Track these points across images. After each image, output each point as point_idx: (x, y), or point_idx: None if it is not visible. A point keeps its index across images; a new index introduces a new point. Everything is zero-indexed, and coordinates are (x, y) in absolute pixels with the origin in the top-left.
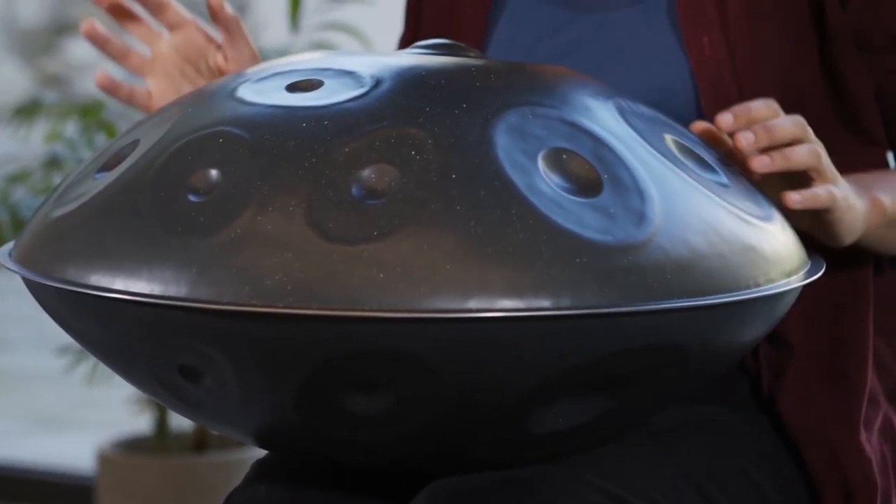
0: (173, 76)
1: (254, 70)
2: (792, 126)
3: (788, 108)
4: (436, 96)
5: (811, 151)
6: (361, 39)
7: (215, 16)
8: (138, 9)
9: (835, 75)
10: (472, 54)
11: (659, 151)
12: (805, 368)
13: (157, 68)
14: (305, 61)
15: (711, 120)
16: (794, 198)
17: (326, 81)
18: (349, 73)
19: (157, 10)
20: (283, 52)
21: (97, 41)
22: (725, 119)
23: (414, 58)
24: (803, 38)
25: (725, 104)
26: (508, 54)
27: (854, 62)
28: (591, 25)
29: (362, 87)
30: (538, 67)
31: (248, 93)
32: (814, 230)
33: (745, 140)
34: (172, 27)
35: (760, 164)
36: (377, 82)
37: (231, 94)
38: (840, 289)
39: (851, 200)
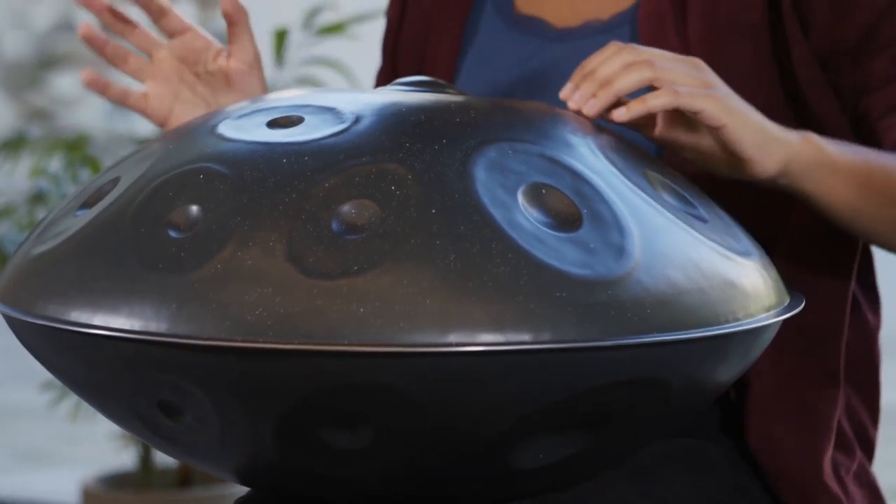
0: (172, 81)
1: (234, 107)
2: (619, 65)
3: None
4: (416, 132)
5: (641, 72)
6: (345, 74)
7: (225, 4)
8: (134, 16)
9: (800, 103)
10: (451, 91)
11: (638, 186)
12: (770, 405)
13: (155, 73)
14: (286, 98)
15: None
16: (619, 112)
17: (307, 118)
18: (329, 110)
19: (158, 14)
20: (268, 86)
21: (95, 44)
22: (566, 92)
23: (394, 94)
24: (765, 66)
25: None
26: (478, 83)
27: (820, 88)
28: (558, 54)
29: (343, 123)
30: (517, 104)
31: (228, 129)
32: (718, 158)
33: (575, 102)
34: (172, 33)
35: (618, 115)
36: (357, 118)
37: (212, 130)
38: (811, 327)
39: (733, 105)
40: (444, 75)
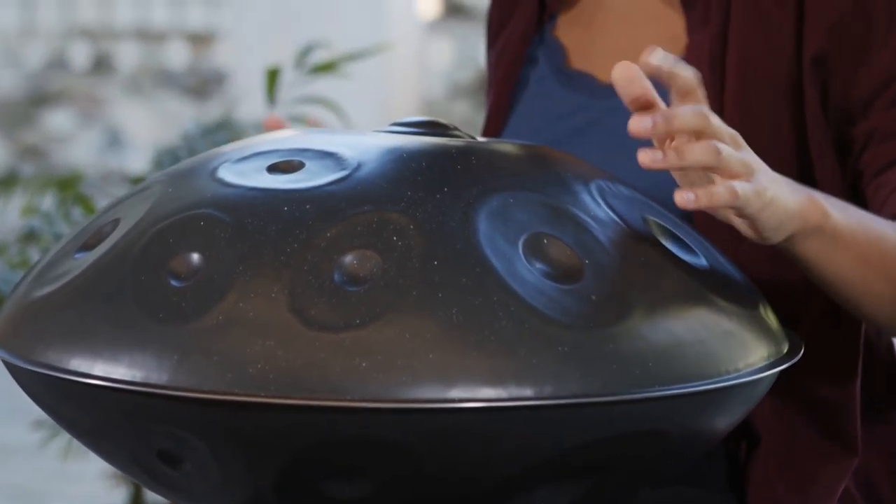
0: None
1: (234, 148)
2: (693, 116)
3: None
4: (417, 180)
5: (707, 149)
6: (338, 113)
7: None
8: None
9: (807, 162)
10: (453, 132)
11: (640, 235)
12: (774, 462)
13: None
14: (286, 140)
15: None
16: (686, 197)
17: (308, 163)
18: (331, 155)
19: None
20: (259, 125)
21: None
22: (636, 127)
23: (395, 138)
24: (789, 124)
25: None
26: (524, 136)
27: (824, 151)
28: (602, 110)
29: (344, 169)
30: (519, 148)
31: (228, 174)
32: (732, 222)
33: (639, 125)
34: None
35: (650, 158)
36: (359, 165)
37: (212, 174)
38: (818, 380)
39: (771, 194)
40: (496, 123)
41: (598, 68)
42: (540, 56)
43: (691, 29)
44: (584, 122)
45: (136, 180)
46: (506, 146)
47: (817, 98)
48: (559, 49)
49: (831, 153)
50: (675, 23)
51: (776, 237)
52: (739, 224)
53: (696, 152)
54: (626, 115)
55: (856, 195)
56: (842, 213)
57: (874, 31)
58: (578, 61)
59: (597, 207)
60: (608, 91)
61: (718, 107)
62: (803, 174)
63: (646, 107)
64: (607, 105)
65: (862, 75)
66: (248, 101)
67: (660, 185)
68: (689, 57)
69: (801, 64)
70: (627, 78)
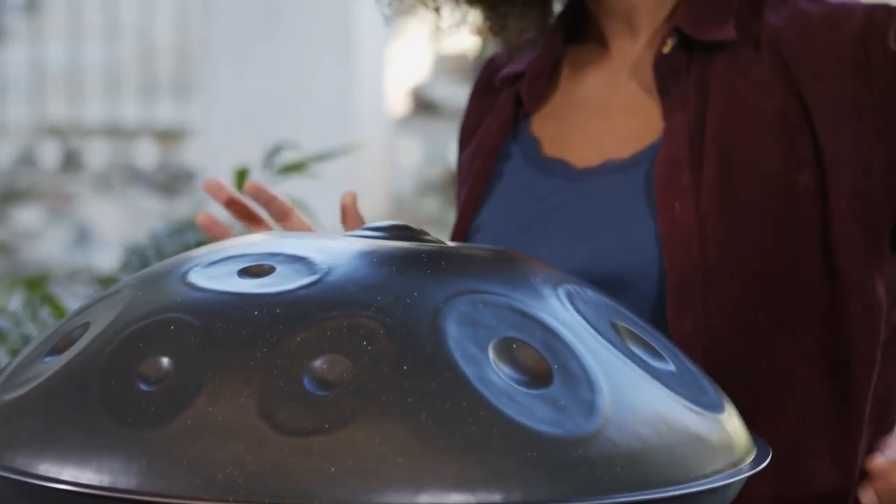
0: None
1: (204, 252)
2: None
3: (757, 282)
4: (387, 285)
5: None
6: (307, 212)
7: (346, 210)
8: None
9: (828, 251)
10: (424, 237)
11: (607, 339)
12: None
13: None
14: (257, 244)
15: (675, 281)
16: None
17: (278, 267)
18: (301, 259)
19: (281, 216)
20: (228, 226)
21: (214, 232)
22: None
23: (365, 242)
24: (785, 215)
25: (688, 268)
26: (499, 221)
27: (851, 235)
28: (575, 192)
29: (315, 274)
30: (489, 253)
31: (199, 278)
32: None
33: None
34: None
35: None
36: (329, 269)
37: (182, 278)
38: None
39: None
40: (468, 213)
41: (573, 155)
42: (515, 150)
43: (668, 112)
44: (556, 202)
45: (105, 280)
46: (475, 250)
47: (845, 184)
48: (534, 141)
49: (860, 248)
50: (652, 111)
51: None
52: None
53: None
54: (598, 196)
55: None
56: None
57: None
58: (553, 150)
59: (565, 312)
60: (581, 174)
61: (696, 188)
62: (790, 252)
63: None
64: (580, 187)
65: None
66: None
67: (634, 263)
68: (668, 137)
69: (800, 150)
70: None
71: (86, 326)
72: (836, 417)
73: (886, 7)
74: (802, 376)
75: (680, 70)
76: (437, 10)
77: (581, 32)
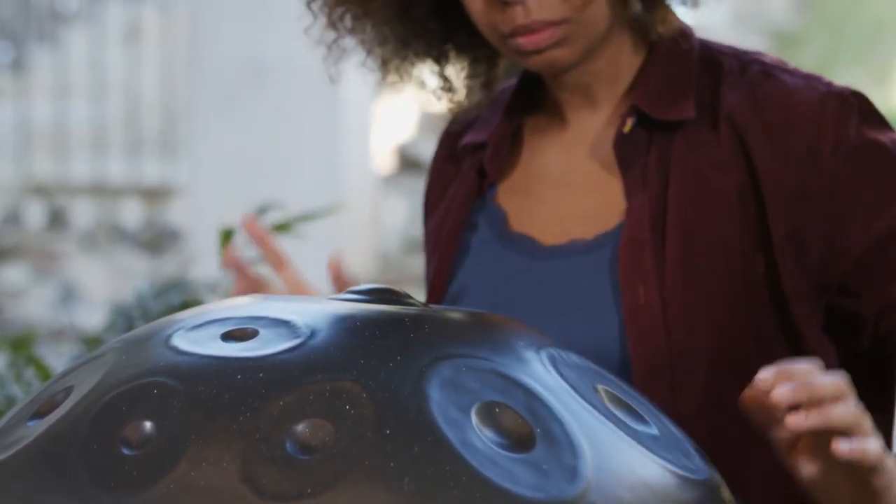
0: None
1: (188, 316)
2: (832, 385)
3: (723, 362)
4: (370, 348)
5: (853, 411)
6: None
7: (333, 275)
8: None
9: (793, 334)
10: (407, 300)
11: (590, 403)
12: None
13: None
14: (240, 308)
15: (640, 367)
16: (843, 447)
17: (262, 331)
18: (284, 323)
19: (278, 265)
20: (213, 286)
21: (237, 268)
22: (764, 379)
23: (349, 306)
24: (741, 287)
25: (653, 353)
26: (467, 298)
27: (812, 318)
28: (544, 272)
29: (297, 337)
30: (472, 316)
31: (182, 341)
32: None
33: (781, 395)
34: (290, 289)
35: (795, 422)
36: (312, 333)
37: (166, 341)
38: None
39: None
40: (439, 287)
41: (539, 231)
42: (481, 221)
43: (629, 192)
44: (525, 283)
45: (90, 340)
46: (459, 314)
47: (792, 268)
48: (501, 214)
49: (816, 322)
50: (613, 188)
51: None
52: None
53: (843, 412)
54: (565, 278)
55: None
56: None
57: (842, 202)
58: (519, 225)
59: (548, 376)
60: (548, 252)
61: (660, 271)
62: (753, 330)
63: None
64: (547, 267)
65: (845, 248)
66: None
67: (599, 348)
68: (630, 219)
69: (757, 229)
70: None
71: (69, 390)
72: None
73: (840, 95)
74: (770, 454)
75: (640, 149)
76: (385, 65)
77: (539, 103)
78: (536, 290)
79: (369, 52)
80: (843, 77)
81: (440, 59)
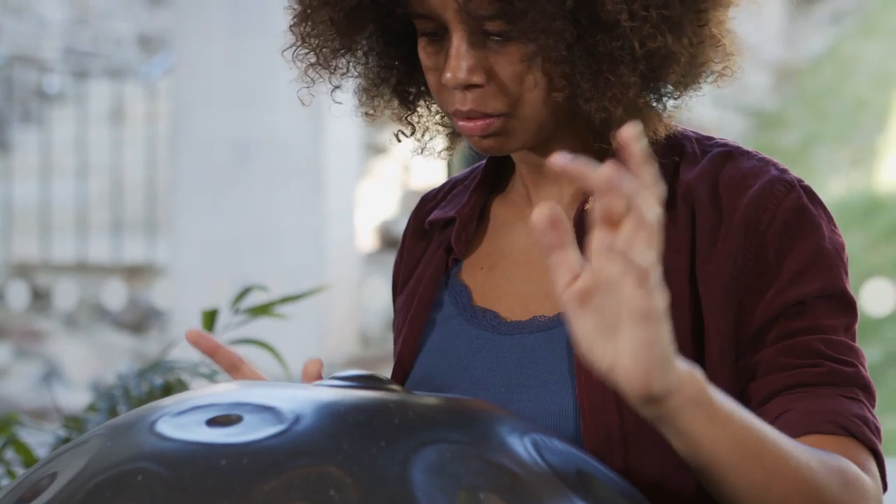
0: None
1: (174, 401)
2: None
3: None
4: (355, 434)
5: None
6: (275, 354)
7: (307, 377)
8: None
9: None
10: (391, 386)
11: (571, 489)
12: None
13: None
14: (225, 394)
15: (591, 444)
16: (557, 159)
17: (246, 416)
18: (269, 409)
19: (231, 368)
20: (196, 367)
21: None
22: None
23: (333, 392)
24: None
25: (605, 431)
26: (433, 373)
27: (722, 367)
28: (506, 347)
29: (282, 423)
30: (455, 402)
31: (167, 427)
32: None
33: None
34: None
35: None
36: (297, 418)
37: (150, 427)
38: None
39: (663, 309)
40: (404, 364)
41: (502, 307)
42: (446, 298)
43: None
44: (487, 358)
45: (72, 420)
46: (442, 400)
47: (727, 330)
48: (465, 290)
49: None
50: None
51: (656, 383)
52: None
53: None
54: (527, 353)
55: None
56: (721, 394)
57: (766, 274)
58: (483, 301)
59: (531, 461)
60: (511, 328)
61: None
62: None
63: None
64: (509, 342)
65: (758, 313)
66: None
67: (556, 426)
68: None
69: (698, 311)
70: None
71: (53, 476)
72: None
73: (790, 181)
74: None
75: None
76: (362, 94)
77: (507, 179)
78: (498, 366)
79: (339, 74)
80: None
81: (413, 99)
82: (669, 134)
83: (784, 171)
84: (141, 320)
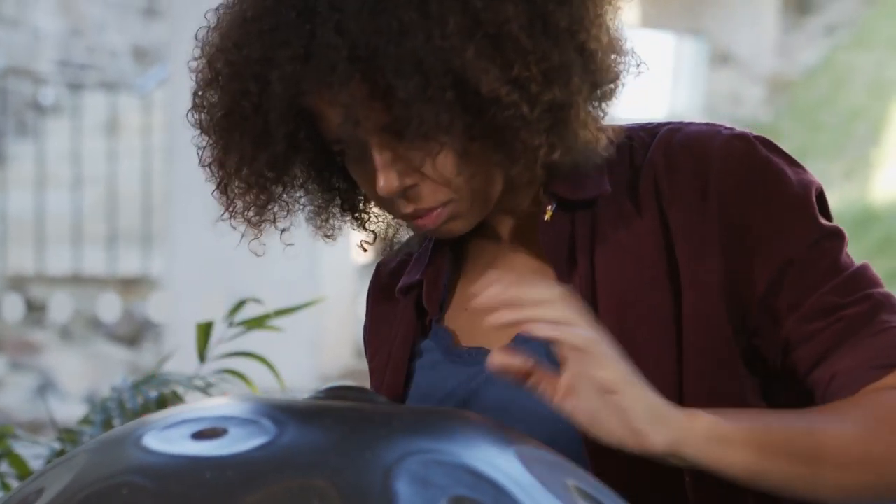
0: None
1: (161, 416)
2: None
3: None
4: (340, 446)
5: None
6: (270, 367)
7: None
8: None
9: (709, 383)
10: (376, 399)
11: (559, 499)
12: None
13: None
14: (211, 408)
15: (597, 470)
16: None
17: (232, 429)
18: (254, 422)
19: None
20: (190, 379)
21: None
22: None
23: (319, 404)
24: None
25: (608, 451)
26: (421, 402)
27: (729, 366)
28: (491, 377)
29: (267, 435)
30: (441, 413)
31: (153, 441)
32: (611, 426)
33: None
34: None
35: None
36: (282, 430)
37: (136, 441)
38: None
39: (630, 377)
40: (394, 388)
41: (487, 341)
42: (429, 346)
43: (560, 278)
44: (478, 387)
45: (67, 432)
46: (426, 411)
47: (724, 322)
48: (448, 334)
49: (739, 367)
50: (548, 279)
51: (655, 436)
52: (609, 417)
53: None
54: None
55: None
56: (733, 417)
57: (746, 238)
58: (468, 340)
59: (518, 472)
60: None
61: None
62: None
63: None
64: (490, 376)
65: (755, 279)
66: (182, 351)
67: (554, 437)
68: None
69: (677, 291)
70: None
71: (40, 492)
72: None
73: (745, 135)
74: None
75: (563, 233)
76: (315, 221)
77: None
78: (491, 393)
79: (280, 219)
80: (818, 169)
81: (363, 208)
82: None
83: (733, 129)
84: (136, 333)
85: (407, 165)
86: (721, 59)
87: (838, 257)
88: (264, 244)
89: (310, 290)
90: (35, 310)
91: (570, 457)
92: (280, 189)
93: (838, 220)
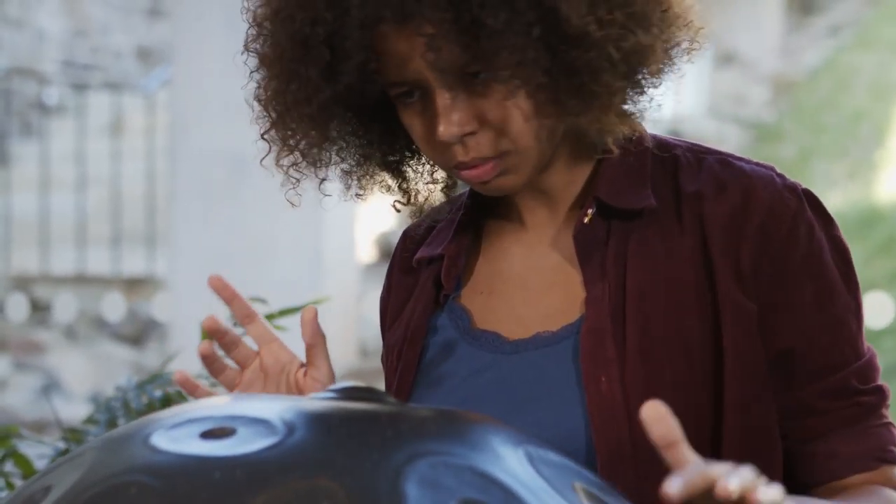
0: (256, 389)
1: (168, 415)
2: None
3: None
4: (348, 446)
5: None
6: None
7: (305, 324)
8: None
9: (746, 416)
10: (385, 399)
11: (567, 500)
12: None
13: (244, 383)
14: (219, 406)
15: (605, 457)
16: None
17: (240, 429)
18: (263, 422)
19: (246, 319)
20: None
21: (208, 362)
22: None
23: (327, 404)
24: (699, 377)
25: (616, 442)
26: (433, 395)
27: (764, 400)
28: (508, 366)
29: (275, 435)
30: (449, 414)
31: (161, 440)
32: None
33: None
34: (260, 341)
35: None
36: (290, 431)
37: (144, 440)
38: None
39: None
40: (403, 394)
41: (504, 328)
42: (445, 323)
43: (589, 283)
44: (491, 378)
45: (71, 432)
46: (435, 412)
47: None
48: (465, 314)
49: (771, 402)
50: (573, 282)
51: None
52: None
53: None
54: (530, 371)
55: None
56: None
57: (783, 291)
58: (484, 323)
59: (526, 474)
60: (514, 346)
61: (621, 360)
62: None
63: (671, 445)
64: (512, 361)
65: (774, 335)
66: (186, 350)
67: (566, 439)
68: (590, 310)
69: (716, 318)
70: (655, 418)
71: (48, 490)
72: None
73: (796, 189)
74: None
75: (599, 239)
76: (347, 178)
77: (497, 205)
78: (503, 384)
79: (324, 166)
80: (822, 170)
81: (400, 166)
82: (659, 146)
83: (783, 176)
84: (140, 332)
85: (469, 111)
86: (725, 59)
87: (859, 337)
88: (300, 195)
89: (314, 290)
90: (39, 310)
91: (579, 458)
92: (334, 132)
93: (841, 221)
